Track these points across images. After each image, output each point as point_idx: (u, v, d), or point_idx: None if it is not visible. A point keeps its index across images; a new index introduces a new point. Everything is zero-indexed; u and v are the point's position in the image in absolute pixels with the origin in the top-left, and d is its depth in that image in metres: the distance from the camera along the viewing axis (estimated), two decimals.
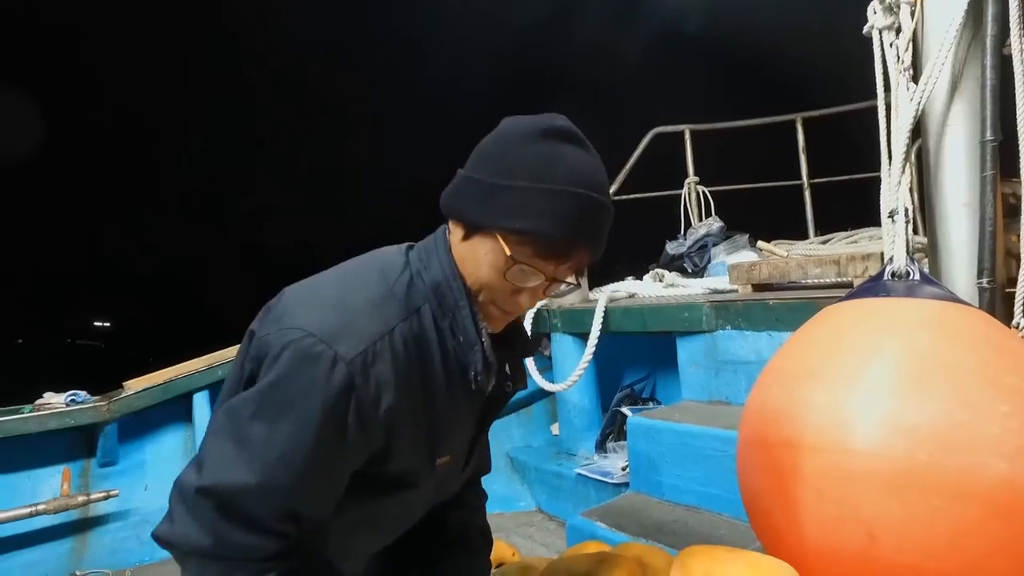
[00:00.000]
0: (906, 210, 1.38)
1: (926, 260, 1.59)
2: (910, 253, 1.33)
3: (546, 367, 2.91)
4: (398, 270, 0.88)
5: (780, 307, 2.05)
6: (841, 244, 3.15)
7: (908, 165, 1.41)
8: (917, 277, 1.28)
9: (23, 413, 2.23)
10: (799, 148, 4.11)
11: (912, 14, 1.44)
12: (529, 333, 2.80)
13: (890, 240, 1.40)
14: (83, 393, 2.37)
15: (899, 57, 1.44)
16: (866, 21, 1.50)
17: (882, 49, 1.49)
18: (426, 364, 0.86)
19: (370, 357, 0.80)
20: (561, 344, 2.72)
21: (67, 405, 2.29)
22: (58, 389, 2.49)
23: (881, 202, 1.55)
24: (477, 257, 0.84)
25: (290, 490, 0.78)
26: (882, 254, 2.16)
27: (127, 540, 2.34)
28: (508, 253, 0.81)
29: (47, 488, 2.24)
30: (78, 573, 2.19)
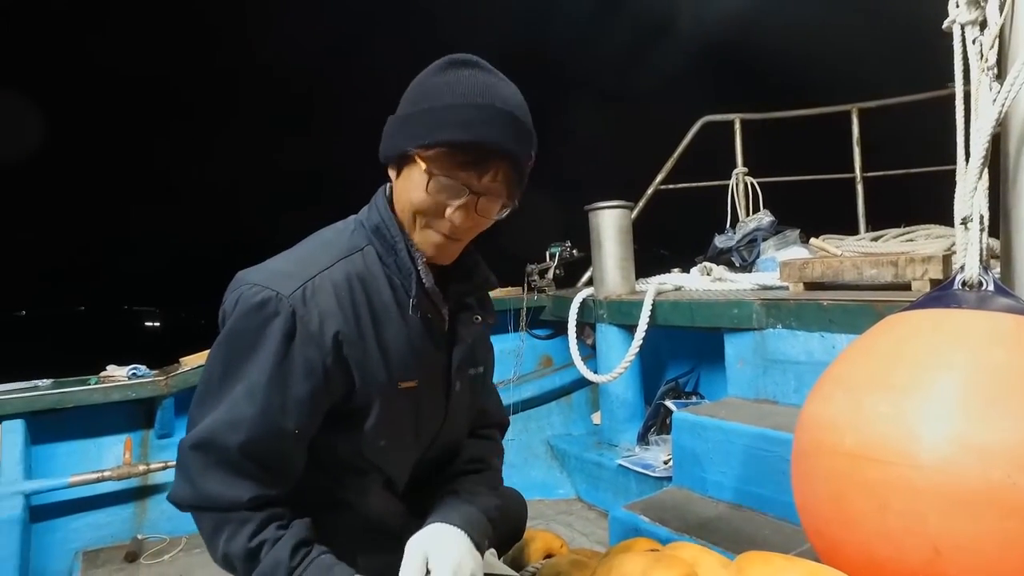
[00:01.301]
0: (981, 217, 1.33)
1: (997, 268, 1.55)
2: (983, 262, 1.30)
3: (588, 355, 2.92)
4: (344, 227, 1.01)
5: (835, 308, 2.01)
6: (896, 242, 3.06)
7: (986, 170, 1.37)
8: (991, 288, 1.25)
9: (90, 384, 2.33)
10: (853, 140, 3.99)
11: (1001, 8, 1.37)
12: (574, 321, 2.80)
13: (962, 247, 1.35)
14: (143, 367, 2.46)
15: (983, 54, 1.38)
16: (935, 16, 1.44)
17: (963, 45, 1.43)
18: (373, 295, 0.94)
19: (309, 291, 0.90)
20: (606, 335, 2.72)
21: (129, 378, 2.39)
22: (119, 359, 2.60)
23: (955, 207, 1.50)
24: (408, 187, 0.91)
25: (254, 419, 0.87)
26: (943, 256, 2.11)
27: None
28: (424, 167, 0.87)
29: (111, 456, 2.35)
30: (139, 537, 2.30)
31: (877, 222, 3.87)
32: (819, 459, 1.22)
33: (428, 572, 0.93)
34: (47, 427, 2.26)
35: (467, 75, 0.88)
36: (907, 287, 2.13)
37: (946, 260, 2.10)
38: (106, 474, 2.23)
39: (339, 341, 0.90)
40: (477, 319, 1.05)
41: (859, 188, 4.03)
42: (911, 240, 3.09)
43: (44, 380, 2.39)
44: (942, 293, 1.33)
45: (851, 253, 2.79)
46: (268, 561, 0.88)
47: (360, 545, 1.01)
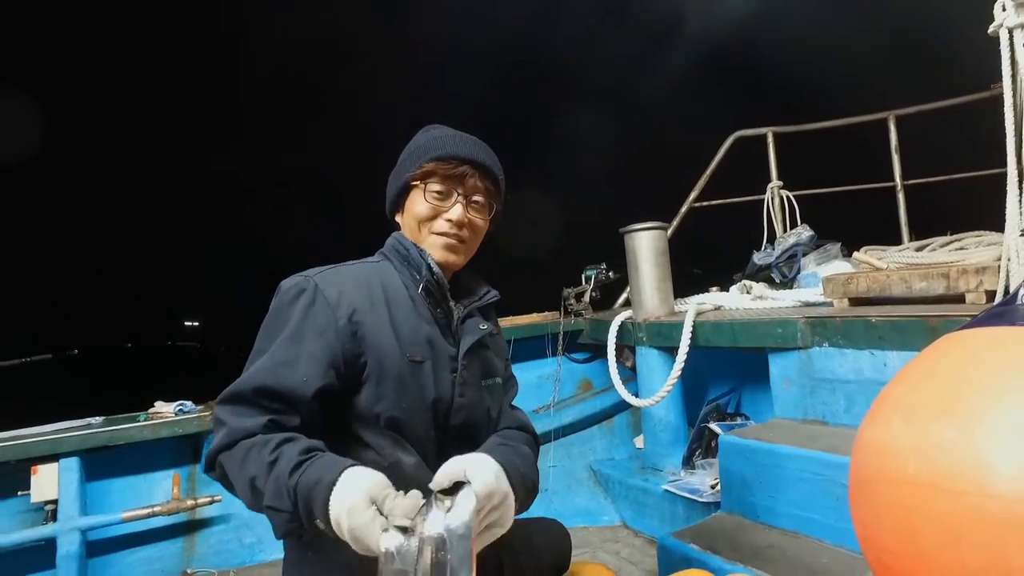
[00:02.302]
0: None
1: None
2: None
3: (628, 378, 2.88)
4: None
5: (884, 325, 1.95)
6: (943, 251, 2.96)
7: None
8: None
9: (139, 421, 2.39)
10: (891, 147, 3.90)
11: None
12: (613, 344, 2.77)
13: (1020, 258, 1.30)
14: (189, 403, 2.51)
15: None
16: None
17: (1011, 49, 1.39)
18: (388, 287, 1.12)
19: (332, 275, 1.10)
20: (646, 357, 2.68)
21: (176, 415, 2.44)
22: (164, 392, 2.66)
23: (1007, 215, 1.45)
24: (411, 208, 1.15)
25: (268, 368, 1.00)
26: (999, 267, 2.03)
27: (230, 542, 2.47)
28: (420, 184, 1.12)
29: (160, 491, 2.39)
30: (188, 571, 2.33)
31: (920, 231, 3.76)
32: (881, 488, 1.16)
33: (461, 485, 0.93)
34: (101, 464, 2.31)
35: (439, 129, 1.18)
36: (960, 299, 2.05)
37: (999, 270, 2.02)
38: (156, 509, 2.27)
39: (353, 310, 1.05)
40: (483, 326, 1.18)
41: (900, 197, 3.93)
42: (960, 248, 2.98)
43: (96, 418, 2.45)
44: (1004, 309, 1.28)
45: (897, 265, 2.71)
46: (281, 464, 0.92)
47: None
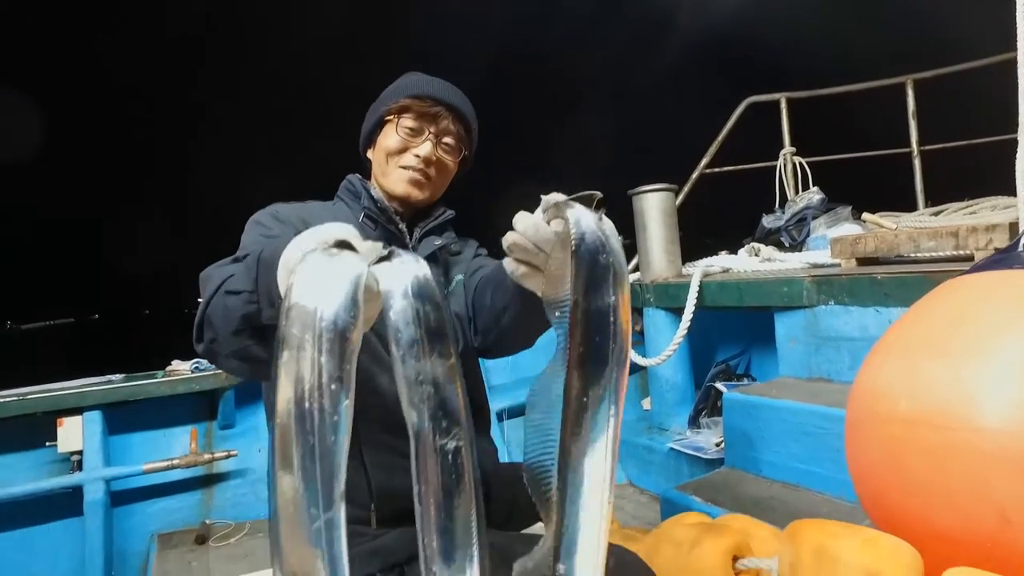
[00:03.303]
0: None
1: None
2: None
3: (636, 342, 2.91)
4: None
5: (889, 281, 1.95)
6: (958, 216, 2.93)
7: None
8: None
9: (157, 378, 2.46)
10: (908, 113, 3.84)
11: None
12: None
13: None
14: (205, 361, 2.57)
15: None
16: None
17: None
18: (339, 217, 1.13)
19: (292, 206, 1.14)
20: (654, 319, 2.70)
21: (192, 372, 2.51)
22: (181, 355, 2.73)
23: (1017, 169, 1.44)
24: (383, 142, 1.15)
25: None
26: (1011, 225, 2.01)
27: (246, 496, 2.56)
28: (394, 119, 1.13)
29: (179, 445, 2.47)
30: (207, 521, 2.41)
31: (936, 200, 3.71)
32: (873, 427, 1.19)
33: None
34: (122, 418, 2.40)
35: (418, 74, 1.19)
36: (970, 259, 2.04)
37: (1013, 229, 2.00)
38: (175, 462, 2.35)
39: (306, 223, 1.03)
40: (437, 242, 1.19)
41: (916, 163, 3.87)
42: (974, 213, 2.95)
43: (117, 375, 2.53)
44: (1004, 255, 1.28)
45: (907, 225, 2.69)
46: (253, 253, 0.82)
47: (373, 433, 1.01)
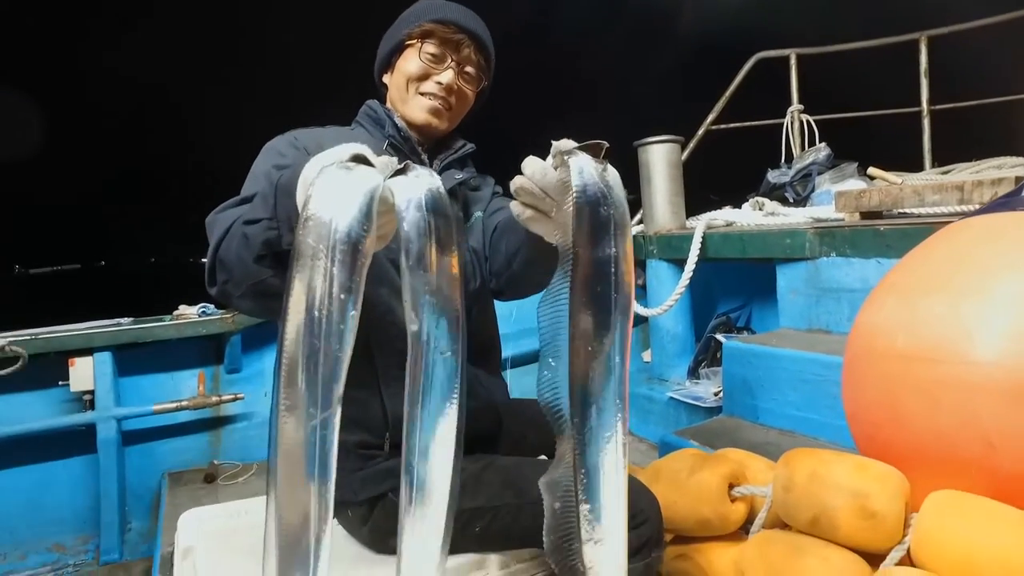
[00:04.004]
0: None
1: None
2: None
3: (639, 295, 2.93)
4: None
5: (892, 233, 1.96)
6: (965, 174, 2.93)
7: None
8: None
9: (165, 321, 2.50)
10: (921, 70, 3.78)
11: None
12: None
13: None
14: (212, 306, 2.61)
15: None
16: None
17: None
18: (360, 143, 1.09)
19: (311, 132, 1.11)
20: (656, 270, 2.72)
21: (199, 316, 2.54)
22: (189, 302, 2.77)
23: None
24: (402, 67, 1.12)
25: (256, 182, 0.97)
26: (1016, 179, 2.01)
27: (253, 439, 2.62)
28: (416, 43, 1.10)
29: (187, 387, 2.52)
30: (216, 462, 2.48)
31: (944, 160, 3.69)
32: (870, 364, 1.22)
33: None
34: (131, 360, 2.44)
35: None
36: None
37: (1018, 183, 2.00)
38: (184, 403, 2.40)
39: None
40: (458, 175, 1.17)
41: (926, 122, 3.83)
42: (979, 172, 2.94)
43: (125, 318, 2.56)
44: (1007, 199, 1.30)
45: (914, 183, 2.68)
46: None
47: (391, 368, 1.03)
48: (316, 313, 0.55)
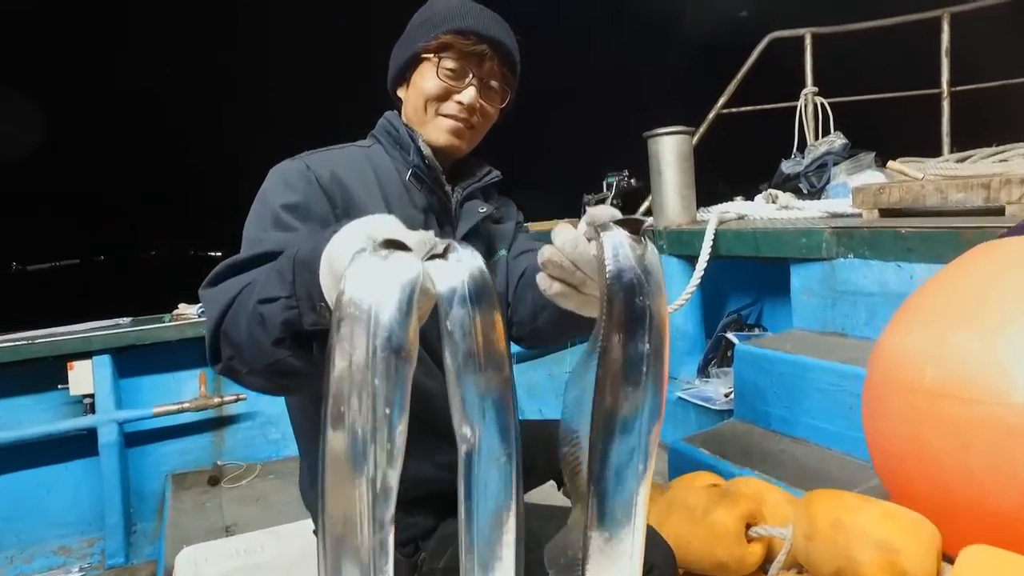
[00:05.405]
0: None
1: None
2: None
3: None
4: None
5: (914, 236, 1.88)
6: (986, 163, 2.81)
7: None
8: None
9: (164, 322, 2.45)
10: (942, 50, 3.64)
11: None
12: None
13: None
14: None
15: None
16: None
17: None
18: (381, 173, 1.03)
19: (322, 153, 1.01)
20: (666, 266, 2.63)
21: (199, 316, 2.49)
22: (189, 297, 2.72)
23: None
24: (418, 82, 1.02)
25: (264, 239, 0.86)
26: None
27: (256, 438, 2.60)
28: (433, 57, 0.99)
29: (189, 388, 2.49)
30: (219, 463, 2.46)
31: (964, 144, 3.57)
32: (895, 395, 1.16)
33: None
34: (131, 362, 2.40)
35: None
36: (1000, 212, 1.96)
37: None
38: (185, 405, 2.37)
39: (349, 196, 0.96)
40: (482, 208, 1.08)
41: (945, 104, 3.70)
42: (1004, 160, 2.83)
43: (124, 318, 2.53)
44: None
45: (934, 176, 2.58)
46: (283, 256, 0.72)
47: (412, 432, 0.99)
48: (359, 433, 0.48)
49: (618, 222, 0.61)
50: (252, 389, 0.81)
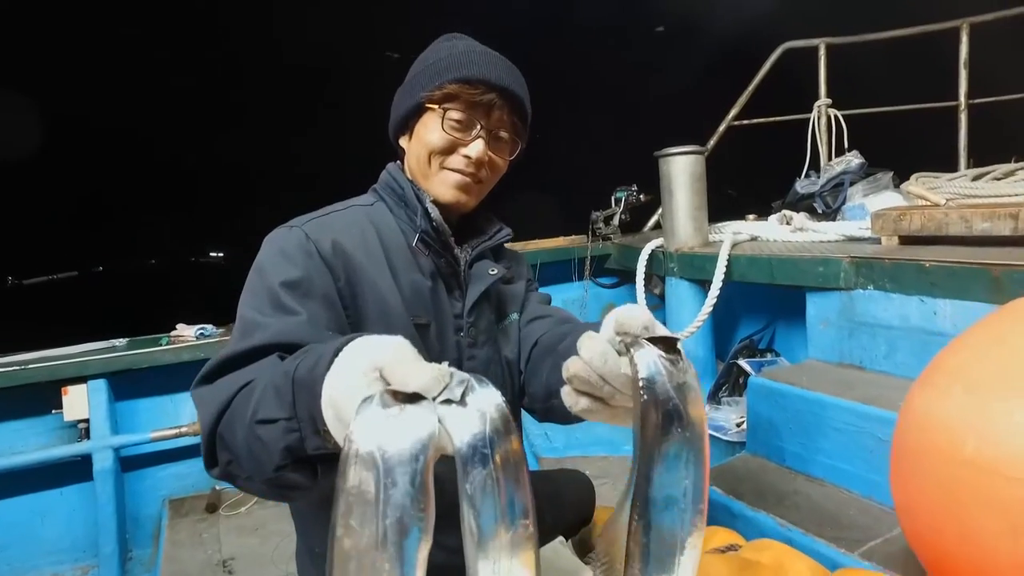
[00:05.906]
0: None
1: None
2: None
3: (656, 306, 2.80)
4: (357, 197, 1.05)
5: (938, 270, 1.81)
6: (1004, 183, 2.73)
7: None
8: None
9: (161, 343, 2.39)
10: (960, 61, 3.55)
11: None
12: (641, 274, 2.64)
13: None
14: (210, 327, 2.50)
15: None
16: None
17: None
18: (384, 234, 0.96)
19: (321, 218, 0.94)
20: (676, 289, 2.58)
21: (196, 338, 2.43)
22: (190, 310, 2.67)
23: None
24: (422, 134, 0.95)
25: (261, 324, 0.80)
26: None
27: None
28: (438, 107, 0.93)
29: (186, 412, 2.43)
30: (217, 488, 2.40)
31: (982, 159, 3.48)
32: (930, 463, 1.09)
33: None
34: (127, 386, 2.35)
35: (464, 42, 0.98)
36: None
37: None
38: (183, 429, 2.31)
39: (352, 266, 0.90)
40: (492, 270, 1.01)
41: (963, 117, 3.61)
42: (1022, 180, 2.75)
43: (120, 340, 2.47)
44: None
45: (951, 195, 2.50)
46: (280, 368, 0.68)
47: None
48: None
49: (650, 338, 0.55)
50: (252, 494, 0.75)
